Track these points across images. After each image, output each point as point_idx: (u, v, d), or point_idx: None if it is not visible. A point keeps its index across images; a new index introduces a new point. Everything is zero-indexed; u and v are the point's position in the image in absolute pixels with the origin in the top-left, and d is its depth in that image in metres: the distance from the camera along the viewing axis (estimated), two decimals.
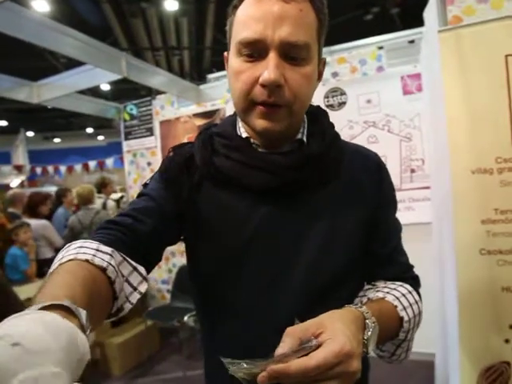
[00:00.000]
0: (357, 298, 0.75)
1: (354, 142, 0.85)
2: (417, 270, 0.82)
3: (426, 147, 2.68)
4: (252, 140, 0.73)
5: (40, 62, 6.68)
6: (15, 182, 7.73)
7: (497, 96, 1.38)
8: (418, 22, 2.34)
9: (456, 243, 1.43)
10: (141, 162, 4.18)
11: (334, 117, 0.80)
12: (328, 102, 3.01)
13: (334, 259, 0.70)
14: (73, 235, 3.72)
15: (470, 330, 1.41)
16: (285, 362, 0.47)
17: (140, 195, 0.75)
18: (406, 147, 2.81)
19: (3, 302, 1.05)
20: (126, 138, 4.24)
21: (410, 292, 0.73)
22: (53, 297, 0.40)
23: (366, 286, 0.79)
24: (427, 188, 2.63)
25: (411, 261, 0.82)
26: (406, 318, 0.68)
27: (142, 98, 4.27)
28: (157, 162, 4.01)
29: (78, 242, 0.57)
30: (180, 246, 0.78)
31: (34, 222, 3.73)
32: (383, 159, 0.81)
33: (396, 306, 0.68)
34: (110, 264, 0.54)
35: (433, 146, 2.00)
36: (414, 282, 0.78)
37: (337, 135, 0.78)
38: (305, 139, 0.73)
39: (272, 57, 0.61)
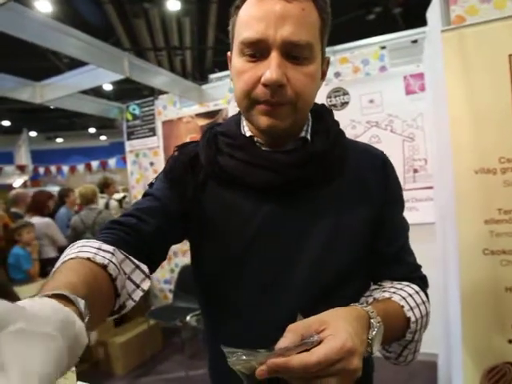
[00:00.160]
0: (362, 297, 0.74)
1: None
2: None
3: (429, 147, 2.67)
4: (256, 139, 0.73)
5: (43, 63, 6.70)
6: (18, 181, 7.75)
7: (500, 96, 1.37)
8: (421, 22, 2.34)
9: (459, 243, 1.43)
10: (143, 162, 4.19)
11: (337, 117, 0.79)
12: (331, 101, 3.01)
13: (337, 257, 0.70)
14: (75, 235, 3.73)
15: (473, 330, 1.41)
16: (285, 356, 0.46)
17: (145, 195, 0.75)
18: (409, 147, 2.80)
19: None
20: (129, 138, 4.25)
21: (418, 292, 0.71)
22: (54, 291, 0.41)
23: (372, 286, 0.78)
24: (430, 188, 2.62)
25: None
26: (413, 319, 0.66)
27: (145, 98, 4.28)
28: (159, 162, 4.02)
29: (81, 242, 0.58)
30: (183, 246, 0.78)
31: (37, 220, 3.74)
32: None
33: (403, 306, 0.67)
34: (111, 261, 0.54)
35: (436, 145, 1.99)
36: (422, 282, 0.77)
37: (341, 133, 0.78)
38: (309, 137, 0.73)
39: (274, 56, 0.61)
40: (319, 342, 0.48)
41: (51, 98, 3.42)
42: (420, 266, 0.80)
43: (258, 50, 0.62)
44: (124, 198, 4.96)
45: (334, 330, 0.50)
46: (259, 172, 0.69)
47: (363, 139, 2.81)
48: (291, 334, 0.50)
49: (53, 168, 7.24)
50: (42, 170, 7.37)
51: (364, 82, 2.97)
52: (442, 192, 1.74)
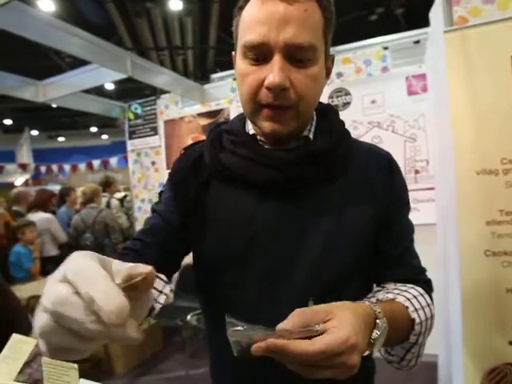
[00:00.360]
0: (365, 299, 0.73)
1: None
2: None
3: (431, 148, 2.66)
4: (258, 137, 0.73)
5: (45, 61, 6.72)
6: (19, 180, 7.76)
7: (502, 97, 1.37)
8: (423, 23, 2.33)
9: (460, 244, 1.42)
10: (145, 162, 4.19)
11: None
12: (332, 102, 3.01)
13: (339, 256, 0.69)
14: (76, 234, 3.74)
15: (473, 331, 1.41)
16: (286, 339, 0.46)
17: (153, 211, 0.80)
18: (411, 148, 2.79)
19: (2, 301, 1.05)
20: (131, 137, 4.26)
21: (422, 294, 0.71)
22: None
23: (376, 288, 0.77)
24: (432, 189, 2.61)
25: None
26: (417, 320, 0.65)
27: (147, 97, 4.28)
28: (161, 161, 4.02)
29: None
30: None
31: (39, 216, 3.75)
32: None
33: (407, 308, 0.66)
34: None
35: (437, 146, 1.99)
36: (427, 285, 0.76)
37: (346, 132, 0.78)
38: (311, 136, 0.73)
39: (277, 59, 0.61)
40: (322, 332, 0.48)
41: (53, 97, 3.41)
42: (425, 270, 0.79)
43: (260, 54, 0.62)
44: (125, 197, 4.96)
45: (339, 323, 0.49)
46: (261, 169, 0.69)
47: (365, 140, 2.75)
48: (296, 318, 0.50)
49: (54, 167, 7.26)
50: (43, 168, 7.39)
51: (366, 82, 2.97)
52: (444, 193, 1.74)
